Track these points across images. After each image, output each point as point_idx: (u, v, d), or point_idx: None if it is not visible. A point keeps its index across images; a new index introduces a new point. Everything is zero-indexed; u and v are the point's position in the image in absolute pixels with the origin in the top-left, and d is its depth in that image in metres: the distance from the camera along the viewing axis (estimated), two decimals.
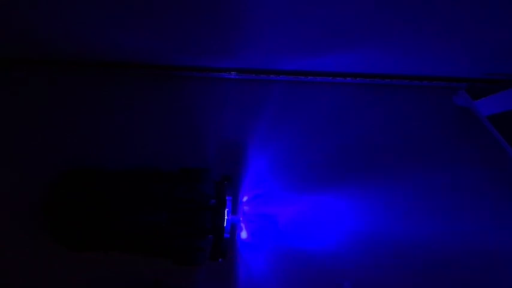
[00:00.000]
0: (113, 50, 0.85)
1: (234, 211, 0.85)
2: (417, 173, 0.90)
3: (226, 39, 0.75)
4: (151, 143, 0.91)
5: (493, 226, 0.87)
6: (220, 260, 0.76)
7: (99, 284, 0.84)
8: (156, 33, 0.73)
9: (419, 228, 0.87)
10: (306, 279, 0.85)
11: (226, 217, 0.78)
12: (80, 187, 0.73)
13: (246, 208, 0.88)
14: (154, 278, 0.83)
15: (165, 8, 0.62)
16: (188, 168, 0.76)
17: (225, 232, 0.78)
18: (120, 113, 0.93)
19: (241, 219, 0.87)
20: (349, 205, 0.88)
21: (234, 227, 0.85)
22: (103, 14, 0.65)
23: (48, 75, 0.93)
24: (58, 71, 0.93)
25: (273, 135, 0.91)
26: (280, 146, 0.91)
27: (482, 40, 0.68)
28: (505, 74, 0.84)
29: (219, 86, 0.94)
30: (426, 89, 0.94)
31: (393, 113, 0.93)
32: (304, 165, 0.90)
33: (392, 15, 0.60)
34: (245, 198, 0.88)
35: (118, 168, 0.78)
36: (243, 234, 0.86)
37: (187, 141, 0.91)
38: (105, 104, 0.93)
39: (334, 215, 0.88)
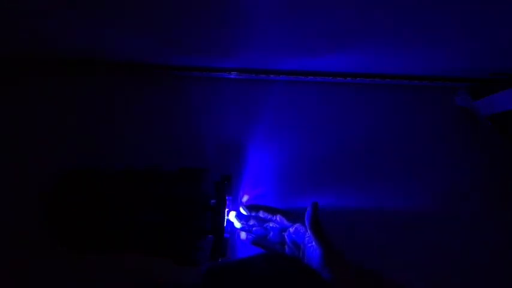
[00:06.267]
0: (112, 50, 0.85)
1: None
2: (417, 172, 0.90)
3: (226, 39, 0.75)
4: (151, 143, 0.91)
5: (494, 226, 0.87)
6: (220, 260, 0.76)
7: (99, 284, 0.84)
8: (156, 33, 0.73)
9: (419, 228, 0.87)
10: None
11: (226, 217, 0.78)
12: (80, 187, 0.73)
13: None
14: (154, 279, 0.83)
15: (164, 8, 0.62)
16: (188, 168, 0.76)
17: (225, 232, 0.78)
18: (120, 113, 0.93)
19: None
20: (349, 205, 0.88)
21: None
22: (102, 13, 0.65)
23: (47, 75, 0.93)
24: (58, 71, 0.93)
25: (273, 135, 0.91)
26: (280, 146, 0.91)
27: (482, 40, 0.68)
28: (506, 74, 0.84)
29: (219, 86, 0.94)
30: (426, 89, 0.94)
31: (393, 113, 0.93)
32: (305, 165, 0.90)
33: (393, 16, 0.60)
34: (245, 198, 0.88)
35: (118, 168, 0.77)
36: (243, 234, 0.85)
37: (187, 141, 0.91)
38: (105, 104, 0.93)
39: (334, 215, 0.88)
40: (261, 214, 0.76)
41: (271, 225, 0.75)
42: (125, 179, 0.75)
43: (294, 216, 0.72)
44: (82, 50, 0.86)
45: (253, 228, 0.77)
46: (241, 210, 0.79)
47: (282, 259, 0.53)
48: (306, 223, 0.67)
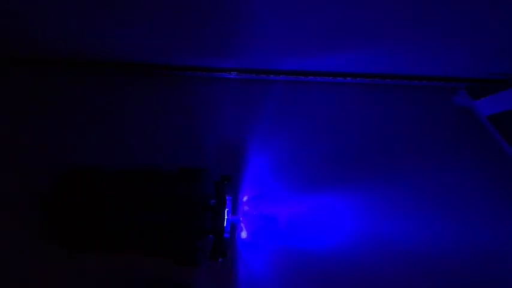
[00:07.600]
0: (112, 49, 0.85)
1: (234, 211, 0.85)
2: (417, 172, 0.90)
3: (226, 39, 0.75)
4: (150, 143, 0.91)
5: (493, 226, 0.87)
6: (220, 260, 0.76)
7: (99, 284, 0.84)
8: (156, 33, 0.73)
9: (419, 228, 0.87)
10: (306, 279, 0.85)
11: (226, 217, 0.78)
12: (80, 187, 0.73)
13: (246, 208, 0.88)
14: (154, 278, 0.83)
15: (165, 8, 0.62)
16: (188, 168, 0.76)
17: (225, 232, 0.78)
18: (120, 113, 0.93)
19: (241, 219, 0.87)
20: (349, 205, 0.88)
21: (234, 227, 0.85)
22: (102, 13, 0.65)
23: (47, 75, 0.94)
24: (57, 71, 0.93)
25: (273, 135, 0.91)
26: (280, 146, 0.91)
27: (482, 40, 0.68)
28: (506, 74, 0.84)
29: (219, 86, 0.94)
30: (426, 89, 0.94)
31: (393, 113, 0.93)
32: (305, 165, 0.90)
33: (392, 16, 0.60)
34: (245, 198, 0.88)
35: (118, 168, 0.78)
36: (243, 234, 0.86)
37: (187, 141, 0.91)
38: (105, 104, 0.93)
39: (334, 215, 0.88)
40: None
41: None
42: (125, 179, 0.75)
43: None
44: (82, 51, 0.86)
45: None
46: None
47: None
48: None
